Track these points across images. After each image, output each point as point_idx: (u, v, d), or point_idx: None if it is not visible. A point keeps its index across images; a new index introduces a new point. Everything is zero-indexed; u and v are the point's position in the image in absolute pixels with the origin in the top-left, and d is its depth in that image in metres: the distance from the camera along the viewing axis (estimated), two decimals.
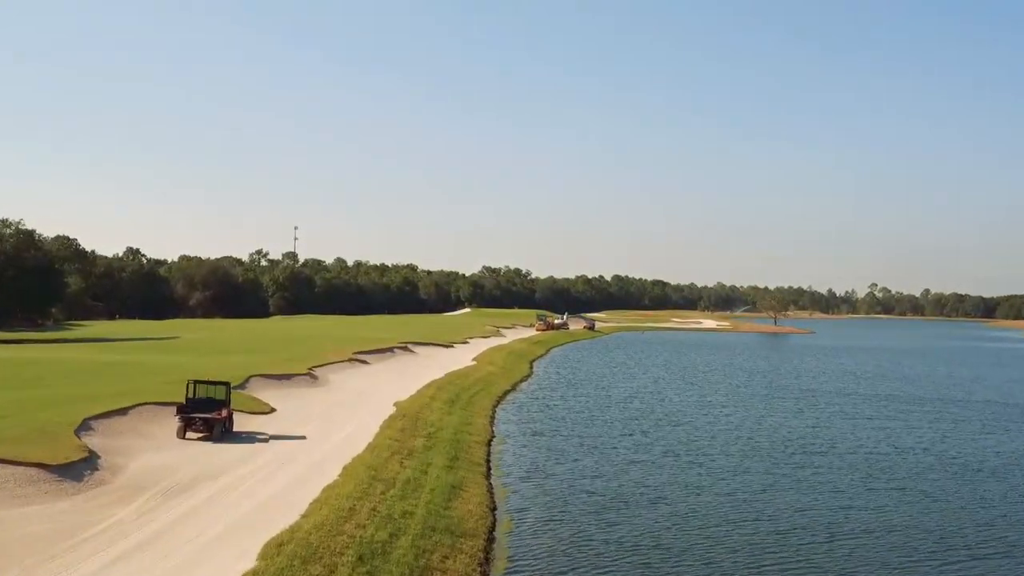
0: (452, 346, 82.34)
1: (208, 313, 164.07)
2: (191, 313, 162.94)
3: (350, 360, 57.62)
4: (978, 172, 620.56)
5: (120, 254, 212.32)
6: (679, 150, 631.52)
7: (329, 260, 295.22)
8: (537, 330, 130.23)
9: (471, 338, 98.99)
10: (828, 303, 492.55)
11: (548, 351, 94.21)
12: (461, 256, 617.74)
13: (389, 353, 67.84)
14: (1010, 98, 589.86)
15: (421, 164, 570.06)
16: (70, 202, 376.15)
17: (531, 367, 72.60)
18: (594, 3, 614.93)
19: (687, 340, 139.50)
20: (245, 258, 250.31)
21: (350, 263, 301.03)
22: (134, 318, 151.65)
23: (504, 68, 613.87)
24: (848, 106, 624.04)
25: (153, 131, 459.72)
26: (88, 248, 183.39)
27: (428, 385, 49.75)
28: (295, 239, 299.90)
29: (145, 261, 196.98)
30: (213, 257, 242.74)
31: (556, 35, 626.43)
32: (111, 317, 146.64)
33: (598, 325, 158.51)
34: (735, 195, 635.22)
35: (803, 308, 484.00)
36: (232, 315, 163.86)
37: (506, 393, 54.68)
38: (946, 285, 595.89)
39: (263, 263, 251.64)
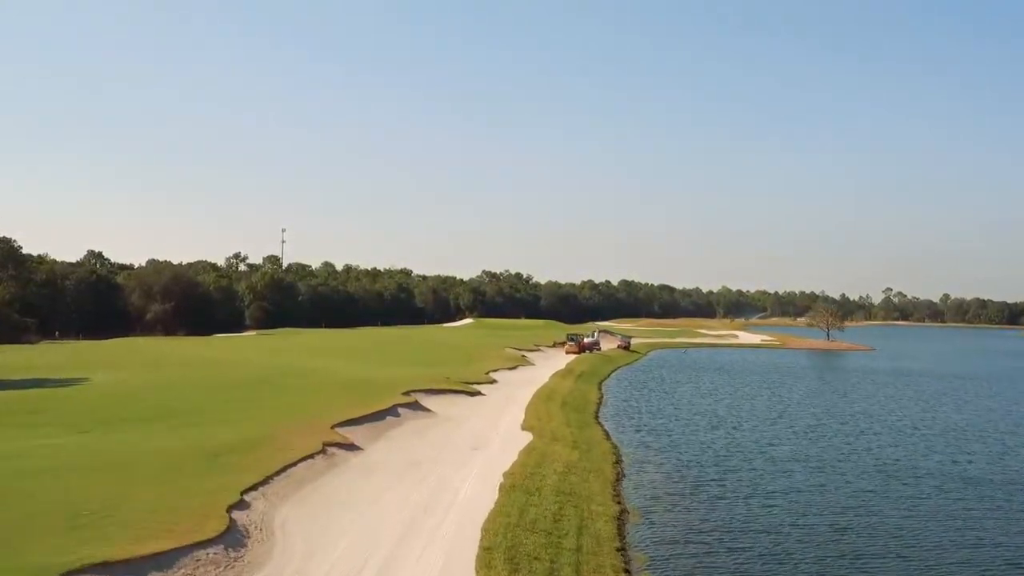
0: (479, 394, 57.62)
1: (170, 328, 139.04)
2: (149, 329, 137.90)
3: (323, 451, 32.90)
4: (991, 172, 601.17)
5: (80, 259, 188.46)
6: (678, 151, 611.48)
7: (316, 264, 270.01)
8: (567, 352, 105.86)
9: (494, 371, 74.58)
10: (842, 309, 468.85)
11: (602, 394, 69.47)
12: (456, 259, 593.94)
13: (390, 417, 43.15)
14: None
15: (415, 165, 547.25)
16: (28, 202, 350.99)
17: (610, 442, 47.29)
18: (594, 5, 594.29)
19: (744, 362, 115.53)
20: (222, 263, 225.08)
21: (339, 268, 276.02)
22: (77, 336, 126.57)
23: (500, 68, 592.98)
24: (849, 107, 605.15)
25: (129, 129, 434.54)
26: (40, 251, 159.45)
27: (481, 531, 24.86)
28: (283, 242, 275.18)
29: (100, 267, 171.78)
30: (186, 262, 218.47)
31: (554, 36, 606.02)
32: (48, 335, 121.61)
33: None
34: (734, 197, 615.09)
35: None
36: (199, 330, 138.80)
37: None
38: (952, 289, 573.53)
39: (242, 268, 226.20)
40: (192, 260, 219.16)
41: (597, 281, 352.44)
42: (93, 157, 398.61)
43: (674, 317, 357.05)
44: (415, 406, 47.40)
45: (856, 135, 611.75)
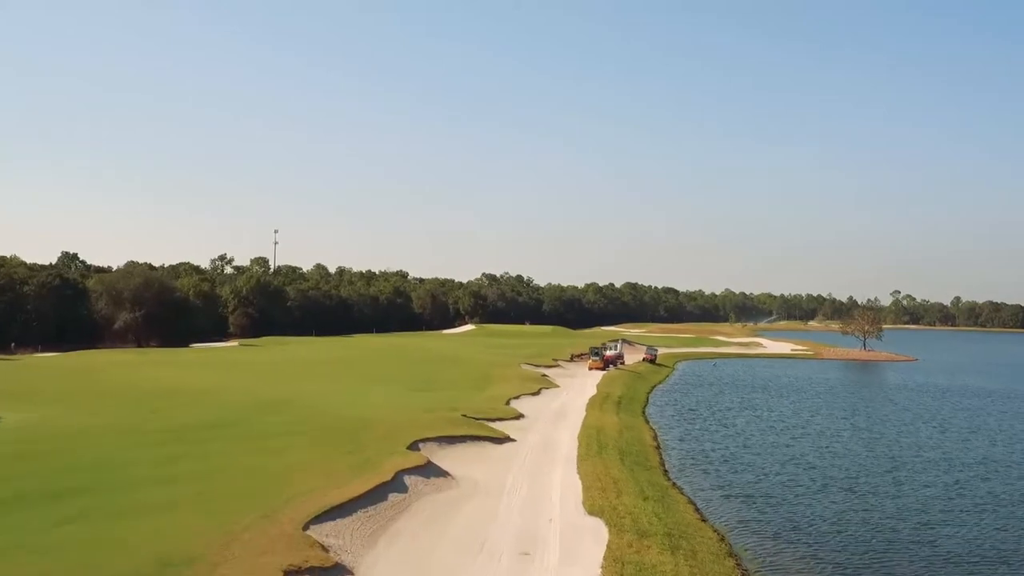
0: (507, 439, 44.00)
1: (142, 338, 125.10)
2: (119, 339, 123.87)
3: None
4: (999, 173, 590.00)
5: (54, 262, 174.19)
6: (679, 153, 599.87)
7: (308, 267, 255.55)
8: (591, 368, 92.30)
9: (516, 398, 61.08)
10: (851, 312, 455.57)
11: (654, 432, 55.69)
12: (451, 263, 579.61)
13: (394, 495, 29.56)
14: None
15: (412, 168, 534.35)
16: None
17: (711, 527, 32.82)
18: (594, 9, 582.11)
19: (785, 378, 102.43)
20: (206, 265, 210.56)
21: (332, 271, 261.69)
22: (36, 348, 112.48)
23: (498, 72, 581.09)
24: (841, 108, 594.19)
25: (118, 129, 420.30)
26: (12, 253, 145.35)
27: None
28: (275, 243, 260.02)
29: (73, 270, 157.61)
30: (169, 265, 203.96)
31: (558, 40, 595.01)
32: (4, 348, 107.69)
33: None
34: (734, 199, 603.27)
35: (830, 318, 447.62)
36: (174, 340, 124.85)
37: None
38: (959, 291, 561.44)
39: (228, 271, 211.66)
40: (176, 263, 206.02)
41: (600, 284, 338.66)
42: (66, 155, 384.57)
43: (681, 321, 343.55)
44: (428, 469, 33.72)
45: (860, 136, 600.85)
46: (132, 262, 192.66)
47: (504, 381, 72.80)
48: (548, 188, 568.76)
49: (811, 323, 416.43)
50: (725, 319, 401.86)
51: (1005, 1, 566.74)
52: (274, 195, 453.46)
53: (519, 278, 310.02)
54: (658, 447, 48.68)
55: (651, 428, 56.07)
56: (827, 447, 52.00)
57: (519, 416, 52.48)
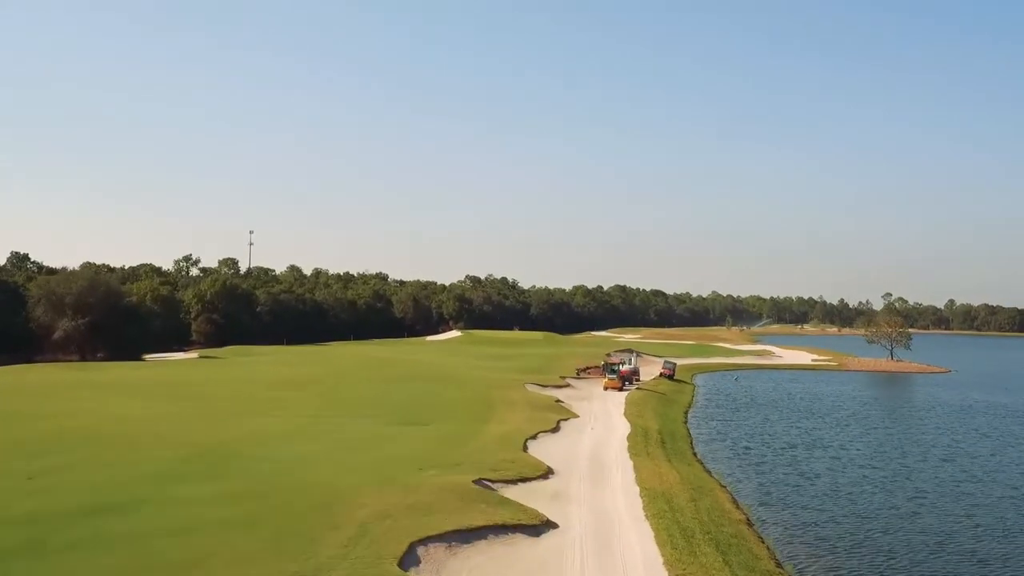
0: (543, 526, 29.72)
1: (86, 349, 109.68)
2: (59, 350, 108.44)
3: None
4: (991, 174, 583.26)
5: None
6: (666, 154, 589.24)
7: (280, 269, 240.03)
8: (607, 388, 78.43)
9: (532, 438, 47.09)
10: (841, 315, 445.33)
11: (732, 497, 41.47)
12: (433, 264, 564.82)
13: None
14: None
15: (393, 169, 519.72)
16: None
17: None
18: (582, 6, 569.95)
19: (826, 396, 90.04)
20: (170, 266, 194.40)
21: (308, 273, 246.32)
22: None
23: (482, 72, 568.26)
24: (833, 108, 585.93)
25: (77, 127, 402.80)
26: None
27: None
28: (250, 244, 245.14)
29: (19, 272, 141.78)
30: (129, 266, 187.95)
31: (542, 39, 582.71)
32: None
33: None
34: (720, 201, 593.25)
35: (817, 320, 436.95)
36: (125, 351, 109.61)
37: None
38: (952, 295, 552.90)
39: (194, 273, 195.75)
40: (137, 264, 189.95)
41: (588, 287, 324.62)
42: (31, 153, 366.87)
43: (671, 325, 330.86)
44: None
45: (850, 137, 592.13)
46: (88, 263, 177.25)
47: (511, 408, 58.78)
48: (532, 189, 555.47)
49: (806, 327, 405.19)
50: (715, 322, 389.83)
51: (997, 2, 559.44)
52: (249, 196, 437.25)
53: (504, 280, 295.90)
54: (749, 523, 34.67)
55: (720, 484, 42.01)
56: (971, 515, 38.31)
57: (547, 473, 38.31)
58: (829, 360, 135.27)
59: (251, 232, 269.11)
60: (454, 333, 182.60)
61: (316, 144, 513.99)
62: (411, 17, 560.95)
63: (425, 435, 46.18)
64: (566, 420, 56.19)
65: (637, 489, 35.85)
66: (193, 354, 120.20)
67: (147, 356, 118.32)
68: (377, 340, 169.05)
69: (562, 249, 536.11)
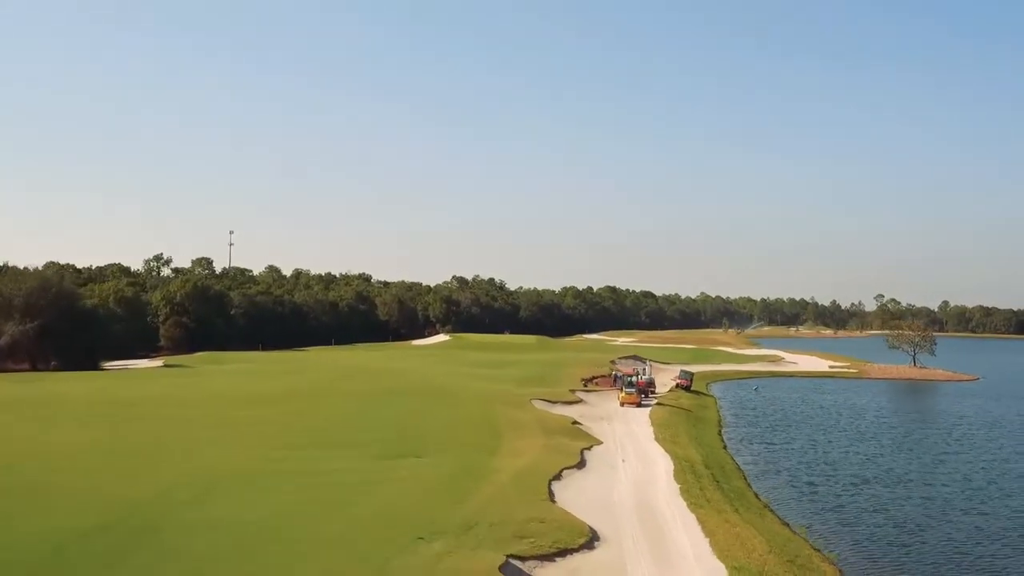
0: None
1: (37, 358, 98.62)
2: (9, 358, 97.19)
3: None
4: (983, 175, 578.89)
5: None
6: (652, 154, 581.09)
7: (258, 270, 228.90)
8: (624, 403, 68.51)
9: (556, 478, 37.27)
10: (834, 317, 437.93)
11: (821, 552, 31.62)
12: (417, 265, 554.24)
13: None
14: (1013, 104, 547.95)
15: (374, 166, 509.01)
16: None
17: None
18: (567, 11, 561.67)
19: (867, 411, 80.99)
20: (140, 266, 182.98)
21: (288, 274, 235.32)
22: None
23: (466, 75, 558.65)
24: (827, 108, 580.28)
25: (58, 126, 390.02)
26: None
27: None
28: (230, 244, 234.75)
29: None
30: (97, 266, 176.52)
31: (526, 40, 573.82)
32: None
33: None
34: (707, 201, 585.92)
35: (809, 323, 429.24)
36: (84, 359, 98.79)
37: None
38: (945, 295, 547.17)
39: (166, 273, 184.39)
40: (104, 264, 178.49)
41: (577, 287, 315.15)
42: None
43: (663, 327, 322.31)
44: None
45: (835, 137, 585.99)
46: (51, 263, 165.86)
47: (521, 433, 48.88)
48: (517, 189, 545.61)
49: (801, 329, 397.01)
50: (707, 324, 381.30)
51: (996, 3, 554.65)
52: (230, 195, 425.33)
53: (491, 281, 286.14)
54: None
55: (812, 547, 32.08)
56: None
57: (590, 540, 28.31)
58: (847, 367, 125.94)
59: (231, 232, 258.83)
60: (442, 337, 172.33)
61: (302, 144, 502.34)
62: (394, 17, 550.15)
63: (421, 474, 36.24)
64: (589, 449, 46.23)
65: (721, 566, 25.92)
66: (158, 362, 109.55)
67: (108, 364, 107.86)
68: (360, 345, 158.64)
69: (546, 249, 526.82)
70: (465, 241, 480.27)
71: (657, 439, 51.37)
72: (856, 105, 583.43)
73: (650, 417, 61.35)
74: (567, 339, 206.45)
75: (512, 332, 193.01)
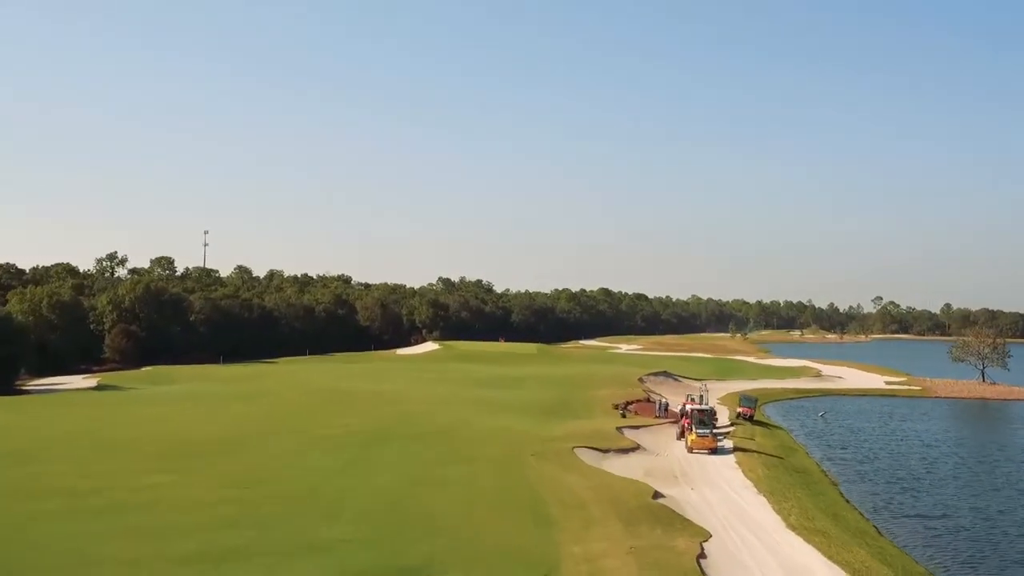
0: None
1: None
2: None
3: None
4: (982, 177, 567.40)
5: None
6: (643, 153, 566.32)
7: (227, 271, 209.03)
8: (693, 448, 50.10)
9: None
10: (832, 320, 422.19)
11: None
12: (400, 267, 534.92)
13: None
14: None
15: (345, 166, 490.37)
16: None
17: None
18: (557, 12, 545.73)
19: (982, 447, 63.36)
20: (91, 267, 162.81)
21: (262, 275, 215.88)
22: None
23: (450, 72, 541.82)
24: (822, 108, 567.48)
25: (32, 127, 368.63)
26: None
27: None
28: (204, 245, 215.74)
29: None
30: (43, 266, 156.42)
31: (514, 41, 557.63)
32: None
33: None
34: (696, 202, 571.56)
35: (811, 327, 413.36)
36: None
37: None
38: (946, 298, 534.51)
39: (121, 273, 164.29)
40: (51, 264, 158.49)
41: (570, 290, 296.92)
42: None
43: (659, 331, 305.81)
44: None
45: (831, 139, 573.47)
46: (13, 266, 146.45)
47: (585, 523, 31.11)
48: (501, 190, 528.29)
49: (805, 333, 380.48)
50: (703, 328, 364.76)
51: (989, 4, 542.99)
52: (205, 195, 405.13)
53: (479, 283, 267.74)
54: None
55: None
56: None
57: None
58: (906, 383, 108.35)
59: (206, 232, 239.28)
60: (430, 346, 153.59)
61: (288, 143, 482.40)
62: (378, 19, 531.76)
63: None
64: (705, 559, 28.06)
65: None
66: (92, 381, 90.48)
67: (35, 383, 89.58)
68: (339, 355, 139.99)
69: (536, 251, 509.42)
70: (447, 242, 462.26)
71: (788, 523, 33.35)
72: (855, 106, 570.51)
73: (744, 474, 43.29)
74: (565, 346, 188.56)
75: (507, 339, 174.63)
